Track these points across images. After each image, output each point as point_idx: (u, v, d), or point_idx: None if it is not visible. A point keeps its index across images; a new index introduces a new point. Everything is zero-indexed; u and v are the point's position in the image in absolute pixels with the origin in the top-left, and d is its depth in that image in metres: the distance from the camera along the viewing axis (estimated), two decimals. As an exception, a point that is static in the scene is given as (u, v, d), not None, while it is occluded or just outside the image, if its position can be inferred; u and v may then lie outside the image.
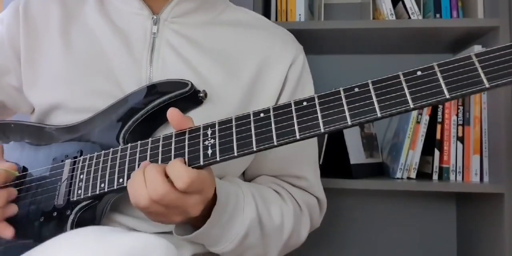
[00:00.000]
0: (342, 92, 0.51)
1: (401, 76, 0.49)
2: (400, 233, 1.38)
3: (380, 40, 1.24)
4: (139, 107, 0.64)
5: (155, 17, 0.72)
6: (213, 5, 0.77)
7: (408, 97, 0.48)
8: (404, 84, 0.48)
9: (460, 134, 1.13)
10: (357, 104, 0.49)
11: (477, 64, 0.47)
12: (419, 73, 0.48)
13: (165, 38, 0.72)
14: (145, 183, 0.52)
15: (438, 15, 1.20)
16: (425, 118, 1.13)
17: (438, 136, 1.14)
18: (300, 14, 1.19)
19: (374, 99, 0.49)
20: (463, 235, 1.31)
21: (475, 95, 1.13)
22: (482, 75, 0.46)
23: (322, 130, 0.50)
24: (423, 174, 1.18)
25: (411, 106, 0.48)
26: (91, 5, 0.75)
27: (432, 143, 1.14)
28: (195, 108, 0.67)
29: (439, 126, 1.14)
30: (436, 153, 1.14)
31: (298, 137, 0.51)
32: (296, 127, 0.51)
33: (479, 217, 1.19)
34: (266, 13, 1.21)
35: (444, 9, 1.20)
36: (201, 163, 0.54)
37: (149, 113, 0.64)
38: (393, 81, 0.49)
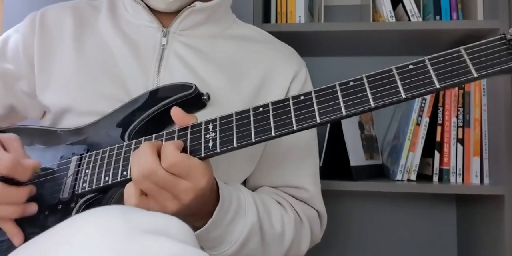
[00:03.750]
0: (337, 86, 0.53)
1: (394, 70, 0.52)
2: (401, 235, 1.37)
3: (380, 42, 1.24)
4: (144, 109, 0.66)
5: (164, 30, 0.75)
6: (220, 19, 0.80)
7: (400, 88, 0.50)
8: (396, 77, 0.51)
9: (460, 136, 1.13)
10: (351, 96, 0.52)
11: (466, 57, 0.50)
12: (411, 66, 0.51)
13: (173, 49, 0.75)
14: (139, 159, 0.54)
15: (438, 17, 1.20)
16: (425, 120, 1.13)
17: (438, 138, 1.14)
18: (300, 16, 1.19)
19: (368, 91, 0.51)
20: (463, 237, 1.31)
21: (475, 97, 1.13)
22: (471, 66, 0.49)
23: (318, 121, 0.52)
24: (423, 176, 1.18)
25: (403, 96, 0.50)
26: (104, 16, 0.79)
27: (432, 145, 1.14)
28: (199, 111, 0.68)
29: (439, 128, 1.14)
30: (436, 155, 1.14)
31: (295, 128, 0.53)
32: (293, 119, 0.53)
33: (480, 219, 1.19)
34: (266, 15, 1.21)
35: (444, 11, 1.20)
36: (202, 154, 0.56)
37: (154, 115, 0.65)
38: (386, 74, 0.52)
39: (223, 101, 0.71)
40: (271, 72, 0.77)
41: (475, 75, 0.48)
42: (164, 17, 0.76)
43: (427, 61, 0.51)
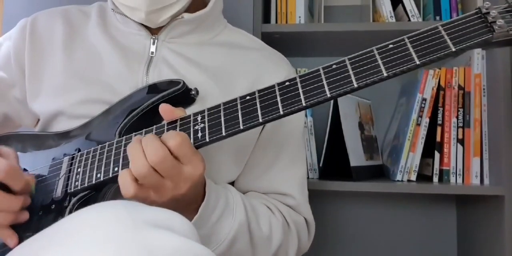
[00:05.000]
0: (321, 70, 0.55)
1: (375, 50, 0.54)
2: (401, 235, 1.37)
3: (380, 42, 1.24)
4: (134, 107, 0.66)
5: (154, 37, 0.76)
6: (209, 27, 0.80)
7: (382, 66, 0.52)
8: (377, 56, 0.53)
9: (460, 136, 1.13)
10: (335, 78, 0.53)
11: (443, 32, 0.52)
12: (391, 46, 0.53)
13: (162, 56, 0.75)
14: (143, 150, 0.54)
15: (438, 18, 1.21)
16: (425, 120, 1.13)
17: (438, 138, 1.14)
18: (300, 16, 1.19)
19: (351, 71, 0.53)
20: (463, 237, 1.31)
21: (475, 98, 1.13)
22: (448, 40, 0.51)
23: (304, 104, 0.53)
24: (423, 176, 1.18)
25: (385, 74, 0.52)
26: (94, 22, 0.80)
27: (432, 145, 1.14)
28: (188, 107, 0.68)
29: (439, 128, 1.14)
30: (437, 155, 1.14)
31: (281, 112, 0.54)
32: (279, 104, 0.54)
33: (480, 219, 1.19)
34: (266, 16, 1.21)
35: (444, 12, 1.20)
36: (192, 145, 0.56)
37: (145, 112, 0.66)
38: (368, 54, 0.53)
39: (212, 104, 0.72)
40: (260, 79, 0.77)
41: (453, 49, 0.50)
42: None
43: (406, 40, 0.53)
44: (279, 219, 0.72)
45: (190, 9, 0.76)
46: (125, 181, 0.54)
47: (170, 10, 0.72)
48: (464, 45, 0.50)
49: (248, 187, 0.78)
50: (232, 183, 0.78)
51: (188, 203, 0.59)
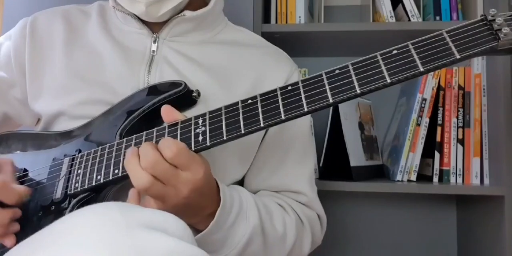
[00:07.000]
0: (324, 75, 0.54)
1: (379, 56, 0.53)
2: (401, 235, 1.37)
3: (380, 42, 1.24)
4: (135, 108, 0.66)
5: (154, 35, 0.76)
6: (210, 25, 0.80)
7: (385, 73, 0.51)
8: (381, 62, 0.52)
9: (460, 137, 1.13)
10: (337, 84, 0.53)
11: (448, 39, 0.51)
12: (394, 51, 0.52)
13: (163, 55, 0.75)
14: (138, 157, 0.54)
15: (438, 18, 1.20)
16: (425, 120, 1.13)
17: (438, 138, 1.14)
18: (300, 17, 1.19)
19: (354, 77, 0.53)
20: (463, 237, 1.31)
21: (475, 98, 1.13)
22: (453, 47, 0.50)
23: (306, 109, 0.53)
24: (423, 176, 1.18)
25: (388, 80, 0.51)
26: (95, 22, 0.79)
27: (432, 146, 1.14)
28: (190, 108, 0.68)
29: (439, 129, 1.14)
30: (437, 155, 1.14)
31: (283, 117, 0.54)
32: (281, 109, 0.54)
33: (480, 219, 1.19)
34: (266, 16, 1.21)
35: (444, 12, 1.20)
36: (193, 148, 0.56)
37: (146, 113, 0.66)
38: (371, 60, 0.53)
39: (214, 104, 0.72)
40: (262, 77, 0.77)
41: (458, 57, 0.50)
42: (154, 24, 0.76)
43: (410, 46, 0.52)
44: (292, 217, 0.72)
45: (191, 6, 0.76)
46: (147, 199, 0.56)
47: (170, 2, 0.71)
48: (469, 53, 0.50)
49: (259, 186, 0.78)
50: (239, 182, 0.78)
51: (199, 209, 0.58)
